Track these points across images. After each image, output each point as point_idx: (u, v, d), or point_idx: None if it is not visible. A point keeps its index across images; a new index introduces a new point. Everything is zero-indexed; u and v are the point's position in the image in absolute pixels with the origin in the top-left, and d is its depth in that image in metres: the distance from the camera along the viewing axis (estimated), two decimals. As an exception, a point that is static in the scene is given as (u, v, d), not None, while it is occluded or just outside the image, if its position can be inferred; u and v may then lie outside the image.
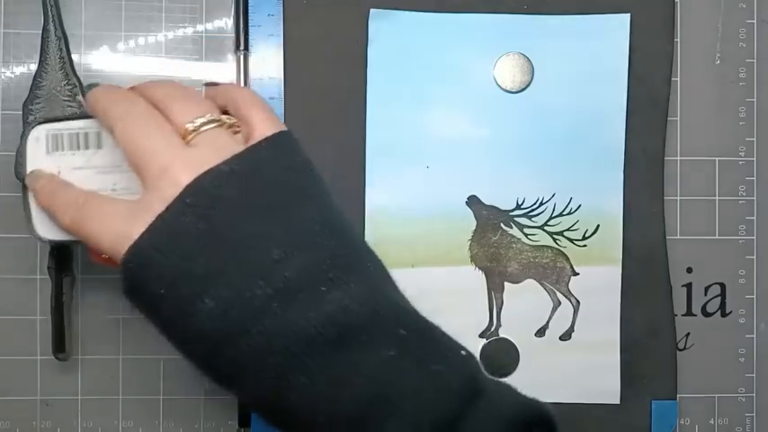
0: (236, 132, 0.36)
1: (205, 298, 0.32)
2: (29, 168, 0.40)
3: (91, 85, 0.40)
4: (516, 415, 0.32)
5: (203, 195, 0.33)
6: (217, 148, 0.34)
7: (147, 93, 0.37)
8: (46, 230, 0.40)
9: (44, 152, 0.40)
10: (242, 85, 0.46)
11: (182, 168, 0.33)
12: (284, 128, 0.36)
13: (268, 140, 0.35)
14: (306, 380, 0.31)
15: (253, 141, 0.35)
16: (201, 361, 0.34)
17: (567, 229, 0.47)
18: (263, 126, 0.36)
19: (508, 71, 0.47)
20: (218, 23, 0.47)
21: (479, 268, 0.47)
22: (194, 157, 0.34)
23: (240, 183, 0.33)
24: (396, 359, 0.32)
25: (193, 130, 0.35)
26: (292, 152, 0.36)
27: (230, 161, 0.33)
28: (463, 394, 0.32)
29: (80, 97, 0.44)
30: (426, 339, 0.33)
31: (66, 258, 0.45)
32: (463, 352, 0.34)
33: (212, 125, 0.35)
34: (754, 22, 0.48)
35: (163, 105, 0.36)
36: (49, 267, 0.45)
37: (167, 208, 0.32)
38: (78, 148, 0.40)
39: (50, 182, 0.39)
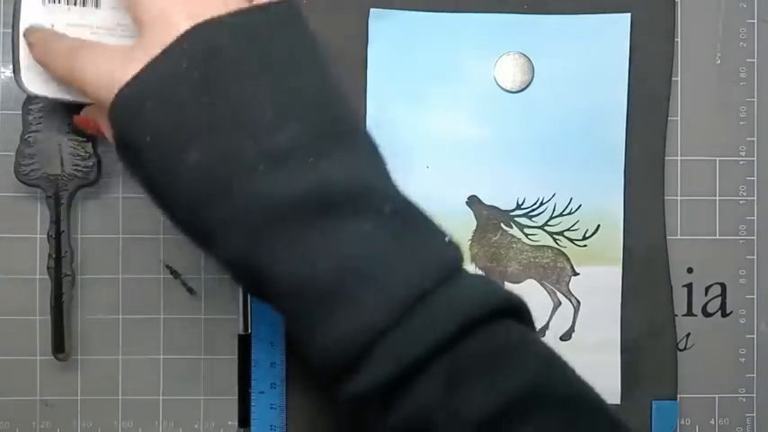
0: None
1: (191, 151, 0.31)
2: (23, 20, 0.39)
3: None
4: (485, 300, 0.33)
5: (202, 44, 0.31)
6: (223, 0, 0.32)
7: None
8: (33, 83, 0.38)
9: (40, 3, 0.39)
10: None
11: (182, 13, 0.32)
12: None
13: (277, 4, 0.33)
14: (282, 246, 0.31)
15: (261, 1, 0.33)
16: (181, 218, 0.33)
17: (568, 229, 0.47)
18: None
19: (508, 71, 0.47)
20: None
21: (480, 268, 0.47)
22: (197, 3, 0.32)
23: (243, 39, 0.32)
24: (375, 233, 0.31)
25: None
26: (299, 21, 0.34)
27: (236, 14, 0.32)
28: (437, 274, 0.32)
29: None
30: (409, 219, 0.33)
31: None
32: (447, 239, 0.34)
33: None
34: (755, 21, 0.48)
35: None
36: (48, 267, 0.45)
37: (163, 51, 0.31)
38: (75, 3, 0.39)
39: (45, 33, 0.37)
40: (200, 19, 0.31)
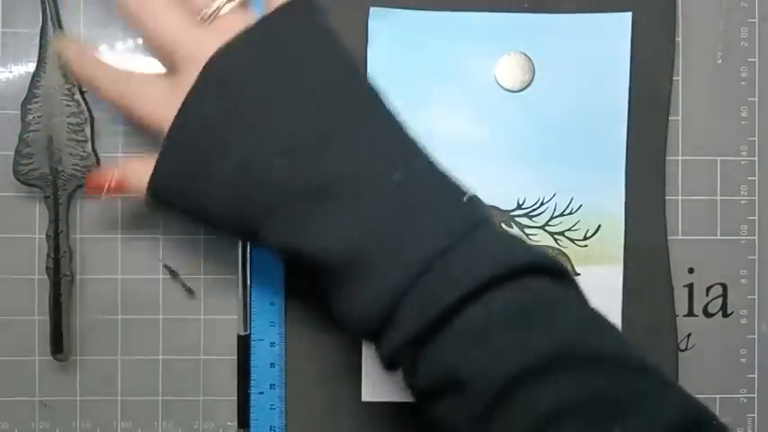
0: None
1: (221, 164, 0.36)
2: None
3: None
4: (510, 256, 0.33)
5: (217, 72, 0.36)
6: (234, 26, 0.37)
7: None
8: None
9: None
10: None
11: (204, 50, 0.36)
12: None
13: (279, 10, 0.37)
14: (306, 227, 0.35)
15: (269, 9, 0.37)
16: (222, 222, 0.37)
17: (568, 230, 0.47)
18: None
19: (509, 70, 0.47)
20: None
21: (480, 268, 0.47)
22: (214, 38, 0.37)
23: (247, 55, 0.36)
24: (384, 207, 0.34)
25: (211, 14, 0.38)
26: (305, 20, 0.38)
27: (240, 35, 0.36)
28: (453, 232, 0.33)
29: (78, 96, 0.44)
30: (422, 185, 0.36)
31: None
32: (465, 197, 0.36)
33: (229, 5, 0.38)
34: (756, 21, 0.48)
35: None
36: (47, 268, 0.45)
37: (190, 92, 0.36)
38: None
39: (85, 53, 0.41)
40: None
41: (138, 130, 0.40)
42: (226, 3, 0.38)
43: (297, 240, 0.35)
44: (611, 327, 0.34)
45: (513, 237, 0.36)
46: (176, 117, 0.36)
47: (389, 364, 0.35)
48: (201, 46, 0.37)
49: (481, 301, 0.32)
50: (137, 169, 0.39)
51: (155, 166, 0.38)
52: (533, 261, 0.33)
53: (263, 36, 0.37)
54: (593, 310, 0.34)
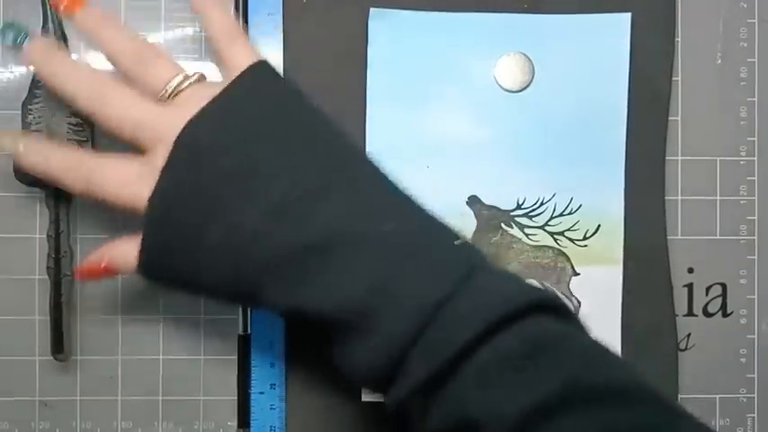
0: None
1: (208, 235, 0.35)
2: None
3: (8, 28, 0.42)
4: (509, 299, 0.33)
5: (189, 145, 0.36)
6: (198, 101, 0.37)
7: (114, 60, 0.40)
8: None
9: None
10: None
11: (169, 130, 0.36)
12: (258, 58, 0.39)
13: (242, 76, 0.37)
14: (307, 286, 0.34)
15: (229, 79, 0.38)
16: (217, 290, 0.37)
17: (568, 229, 0.47)
18: (237, 60, 0.38)
19: (509, 71, 0.47)
20: (218, 23, 0.47)
21: (480, 268, 0.47)
22: (179, 116, 0.37)
23: (216, 125, 0.36)
24: (381, 259, 0.34)
25: (171, 93, 0.38)
26: (267, 82, 0.38)
27: (206, 109, 0.36)
28: (451, 278, 0.33)
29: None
30: (416, 233, 0.36)
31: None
32: (457, 242, 0.36)
33: (187, 83, 0.38)
34: (755, 21, 0.48)
35: (133, 74, 0.39)
36: (48, 267, 0.45)
37: (163, 169, 0.36)
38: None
39: (36, 146, 0.40)
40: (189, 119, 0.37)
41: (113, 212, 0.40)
42: (184, 80, 0.38)
43: (295, 300, 0.35)
44: (617, 358, 0.34)
45: (511, 275, 0.36)
46: (153, 195, 0.36)
47: (397, 411, 0.35)
48: (166, 123, 0.37)
49: (489, 344, 0.32)
50: (124, 251, 0.39)
51: (140, 246, 0.37)
52: (536, 300, 0.34)
53: (231, 103, 0.37)
54: (597, 342, 0.34)
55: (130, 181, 0.37)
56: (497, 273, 0.36)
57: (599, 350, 0.34)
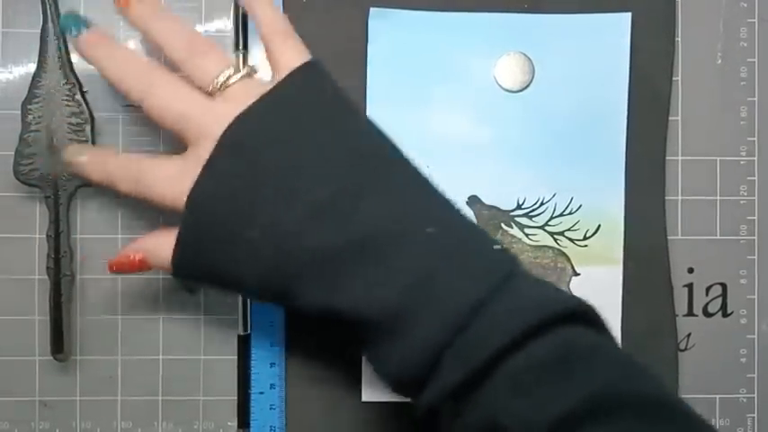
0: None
1: (247, 232, 0.35)
2: None
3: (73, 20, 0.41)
4: (544, 306, 0.33)
5: (235, 141, 0.36)
6: (245, 97, 0.37)
7: (167, 52, 0.39)
8: None
9: None
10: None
11: (215, 124, 0.36)
12: (308, 57, 0.39)
13: (290, 77, 0.37)
14: (344, 287, 0.34)
15: (278, 78, 0.38)
16: (252, 288, 0.37)
17: (568, 230, 0.47)
18: (286, 59, 0.38)
19: (509, 71, 0.47)
20: (218, 23, 0.47)
21: (480, 268, 0.47)
22: (226, 111, 0.37)
23: (262, 124, 0.36)
24: (421, 259, 0.34)
25: (220, 87, 0.38)
26: (315, 83, 0.38)
27: (257, 103, 0.36)
28: (488, 283, 0.33)
29: (78, 96, 0.44)
30: (455, 235, 0.35)
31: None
32: (497, 246, 0.36)
33: (237, 77, 0.38)
34: (756, 21, 0.48)
35: (184, 67, 0.38)
36: (47, 267, 0.45)
37: (206, 164, 0.36)
38: None
39: (102, 153, 0.41)
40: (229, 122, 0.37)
41: (165, 211, 0.39)
42: (234, 73, 0.38)
43: (332, 300, 0.35)
44: (645, 369, 0.34)
45: (545, 283, 0.36)
46: (194, 190, 0.36)
47: (428, 412, 0.34)
48: (212, 118, 0.37)
49: (524, 349, 0.32)
50: (159, 244, 0.38)
51: (176, 241, 0.37)
52: (568, 308, 0.34)
53: (279, 102, 0.37)
54: (629, 355, 0.34)
55: (173, 177, 0.37)
56: (533, 279, 0.36)
57: (630, 362, 0.34)
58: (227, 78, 0.38)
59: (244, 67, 0.38)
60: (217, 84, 0.38)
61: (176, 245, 0.37)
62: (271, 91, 0.37)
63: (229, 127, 0.36)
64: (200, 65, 0.38)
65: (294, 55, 0.39)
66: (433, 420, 0.35)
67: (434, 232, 0.35)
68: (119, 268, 0.40)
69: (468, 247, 0.35)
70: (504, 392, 0.32)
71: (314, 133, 0.36)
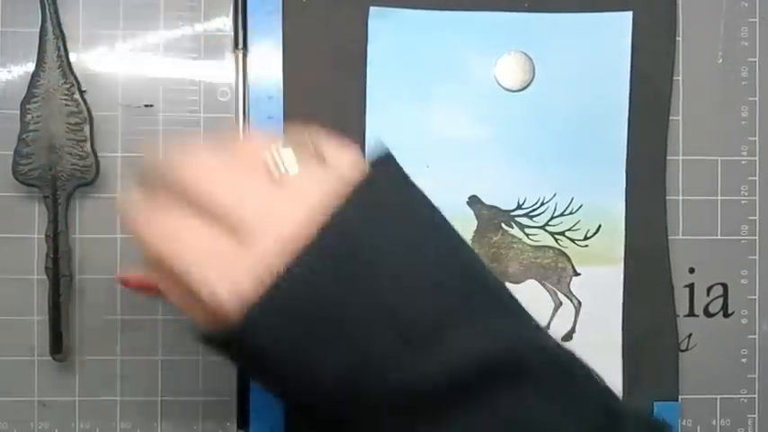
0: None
1: (326, 360, 0.29)
2: None
3: None
4: None
5: (319, 258, 0.29)
6: (307, 186, 0.30)
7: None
8: None
9: None
10: (240, 82, 0.46)
11: (278, 212, 0.29)
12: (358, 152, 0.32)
13: (373, 176, 0.31)
14: (432, 428, 0.29)
15: (338, 171, 0.31)
16: (316, 416, 0.32)
17: (569, 229, 0.47)
18: (341, 149, 0.32)
19: (509, 70, 0.47)
20: (217, 22, 0.47)
21: (480, 268, 0.47)
22: (287, 198, 0.30)
23: (356, 234, 0.29)
24: (532, 397, 0.29)
25: (282, 172, 0.30)
26: (399, 184, 0.32)
27: (337, 212, 0.29)
28: (601, 426, 0.30)
29: (77, 96, 0.44)
30: (561, 370, 0.31)
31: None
32: (601, 383, 0.32)
33: (293, 161, 0.31)
34: (756, 20, 0.48)
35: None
36: (46, 268, 0.45)
37: (285, 270, 0.28)
38: None
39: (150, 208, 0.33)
40: (299, 217, 0.29)
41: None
42: (294, 160, 0.30)
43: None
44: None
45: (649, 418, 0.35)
46: (262, 303, 0.28)
47: None
48: (275, 207, 0.30)
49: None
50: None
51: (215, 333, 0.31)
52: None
53: (366, 207, 0.30)
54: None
55: (224, 269, 0.29)
56: (639, 422, 0.33)
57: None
58: (287, 164, 0.31)
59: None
60: (280, 169, 0.31)
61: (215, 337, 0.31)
62: (354, 192, 0.30)
63: (328, 223, 0.29)
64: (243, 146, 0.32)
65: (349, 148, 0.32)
66: None
67: (540, 367, 0.30)
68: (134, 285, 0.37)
69: (574, 383, 0.31)
70: None
71: (404, 248, 0.30)
